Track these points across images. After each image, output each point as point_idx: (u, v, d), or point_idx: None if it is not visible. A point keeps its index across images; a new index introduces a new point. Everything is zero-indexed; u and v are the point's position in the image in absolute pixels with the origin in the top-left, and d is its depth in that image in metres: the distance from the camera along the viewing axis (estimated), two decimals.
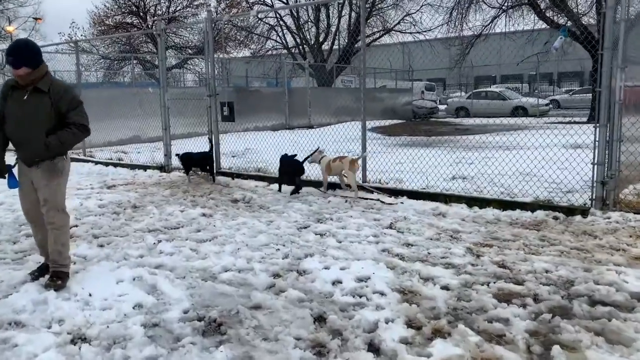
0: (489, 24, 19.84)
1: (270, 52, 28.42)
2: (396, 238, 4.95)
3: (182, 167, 8.43)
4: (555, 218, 5.54)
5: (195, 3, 28.96)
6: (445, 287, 3.71)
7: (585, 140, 6.72)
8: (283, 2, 27.50)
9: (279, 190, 7.44)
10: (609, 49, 5.40)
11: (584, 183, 6.49)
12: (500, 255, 4.37)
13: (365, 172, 7.37)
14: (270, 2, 27.26)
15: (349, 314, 3.29)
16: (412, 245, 4.72)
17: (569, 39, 14.78)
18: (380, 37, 27.85)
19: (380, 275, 3.91)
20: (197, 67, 28.84)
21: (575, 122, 17.20)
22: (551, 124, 16.80)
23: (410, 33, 26.83)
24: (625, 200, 5.76)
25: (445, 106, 28.71)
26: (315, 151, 7.42)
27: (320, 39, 27.24)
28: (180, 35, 29.05)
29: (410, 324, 3.16)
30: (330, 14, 27.09)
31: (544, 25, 19.00)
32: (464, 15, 19.96)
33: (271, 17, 26.80)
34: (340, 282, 3.82)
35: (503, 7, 19.65)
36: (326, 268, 4.14)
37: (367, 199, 6.67)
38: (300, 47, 27.47)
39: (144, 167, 9.81)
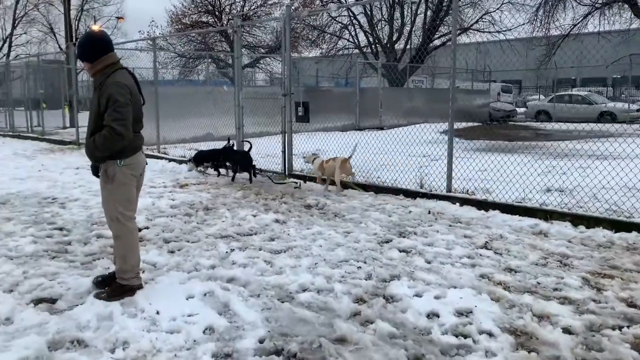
0: (579, 23, 18.40)
1: (341, 52, 28.02)
2: (495, 261, 4.33)
3: (196, 163, 8.98)
4: None
5: (269, 2, 29.11)
6: (567, 330, 3.08)
7: None
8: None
9: (232, 180, 8.30)
10: None
11: None
12: (626, 291, 3.66)
13: (450, 181, 6.74)
14: (344, 1, 26.84)
15: None
16: (515, 272, 4.09)
17: None
18: (457, 35, 26.72)
19: (483, 309, 3.33)
20: (269, 66, 28.95)
21: None
22: None
23: (489, 32, 25.52)
24: None
25: (525, 109, 27.13)
26: (313, 154, 8.16)
27: (394, 38, 26.51)
28: (254, 35, 29.31)
29: None
30: (405, 13, 26.32)
31: None
32: (551, 14, 18.63)
33: (344, 15, 26.40)
34: (437, 316, 3.28)
35: (596, 5, 18.15)
36: (418, 296, 3.60)
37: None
38: (373, 46, 26.87)
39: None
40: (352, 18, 26.50)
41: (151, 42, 12.12)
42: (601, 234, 5.10)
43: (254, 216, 5.92)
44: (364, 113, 18.86)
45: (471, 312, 3.30)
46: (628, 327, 3.11)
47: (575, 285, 3.78)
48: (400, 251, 4.61)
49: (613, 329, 3.08)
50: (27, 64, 19.40)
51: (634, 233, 5.05)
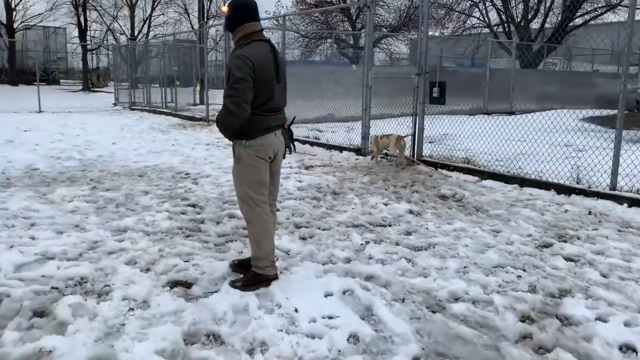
0: None
1: (469, 32, 26.37)
2: None
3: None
4: None
5: None
6: None
7: None
8: None
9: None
10: None
11: None
12: None
13: (616, 178, 5.76)
14: None
15: None
16: None
17: None
18: (601, 14, 23.89)
19: None
20: (391, 46, 28.16)
21: None
22: None
23: None
24: None
25: None
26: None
27: (529, 17, 24.35)
28: (377, 14, 28.60)
29: None
30: None
31: None
32: None
33: None
34: (635, 351, 2.61)
35: None
36: (601, 320, 2.94)
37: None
38: (505, 24, 24.94)
39: (340, 148, 9.33)
40: None
41: (279, 20, 12.06)
42: None
43: (385, 205, 5.48)
44: (493, 96, 17.52)
45: None
46: None
47: None
48: (566, 259, 3.91)
49: None
50: (163, 43, 20.62)
51: None
